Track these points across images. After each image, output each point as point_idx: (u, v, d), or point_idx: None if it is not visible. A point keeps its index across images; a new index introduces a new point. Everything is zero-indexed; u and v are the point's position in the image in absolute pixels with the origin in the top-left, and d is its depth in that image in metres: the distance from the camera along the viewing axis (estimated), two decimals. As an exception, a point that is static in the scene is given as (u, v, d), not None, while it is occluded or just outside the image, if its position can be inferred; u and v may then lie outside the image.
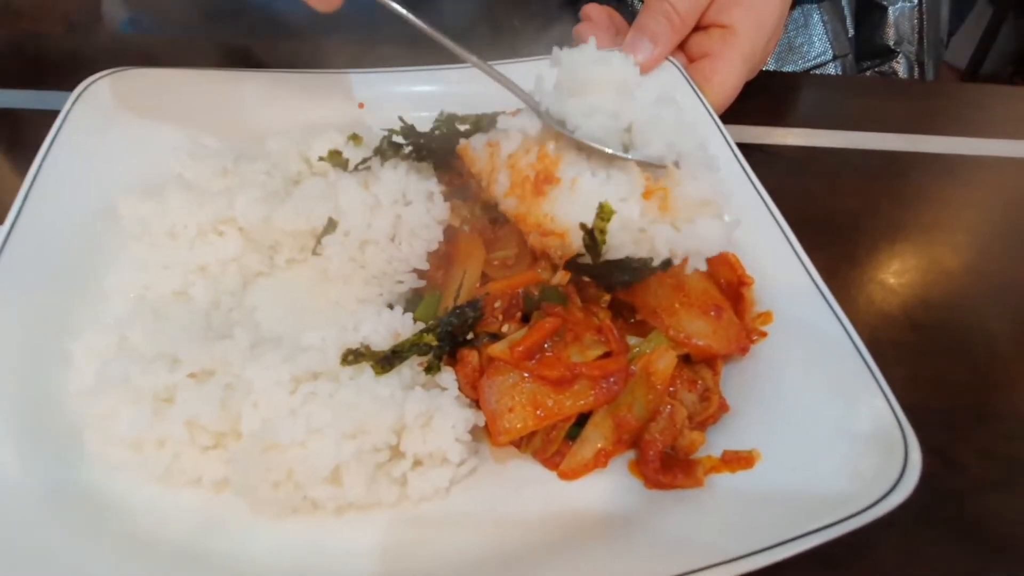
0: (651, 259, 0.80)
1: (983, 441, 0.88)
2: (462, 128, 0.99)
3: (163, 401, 0.70)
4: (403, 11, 0.85)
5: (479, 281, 0.87)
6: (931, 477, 0.82)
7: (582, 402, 0.75)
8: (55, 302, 0.81)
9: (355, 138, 1.00)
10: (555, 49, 0.93)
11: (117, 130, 0.98)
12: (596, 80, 0.88)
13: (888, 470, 0.68)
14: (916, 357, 0.98)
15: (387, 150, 0.96)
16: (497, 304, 0.79)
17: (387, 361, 0.73)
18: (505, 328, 0.79)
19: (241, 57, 1.16)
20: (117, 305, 0.81)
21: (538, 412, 0.73)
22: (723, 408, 0.80)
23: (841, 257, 1.10)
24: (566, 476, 0.75)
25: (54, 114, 0.96)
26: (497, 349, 0.75)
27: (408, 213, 0.91)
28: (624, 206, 0.80)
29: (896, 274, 1.10)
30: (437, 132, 0.99)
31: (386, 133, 1.00)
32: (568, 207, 0.82)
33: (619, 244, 0.80)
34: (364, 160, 0.95)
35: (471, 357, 0.77)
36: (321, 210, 0.89)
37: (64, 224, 0.86)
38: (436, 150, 0.99)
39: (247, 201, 0.87)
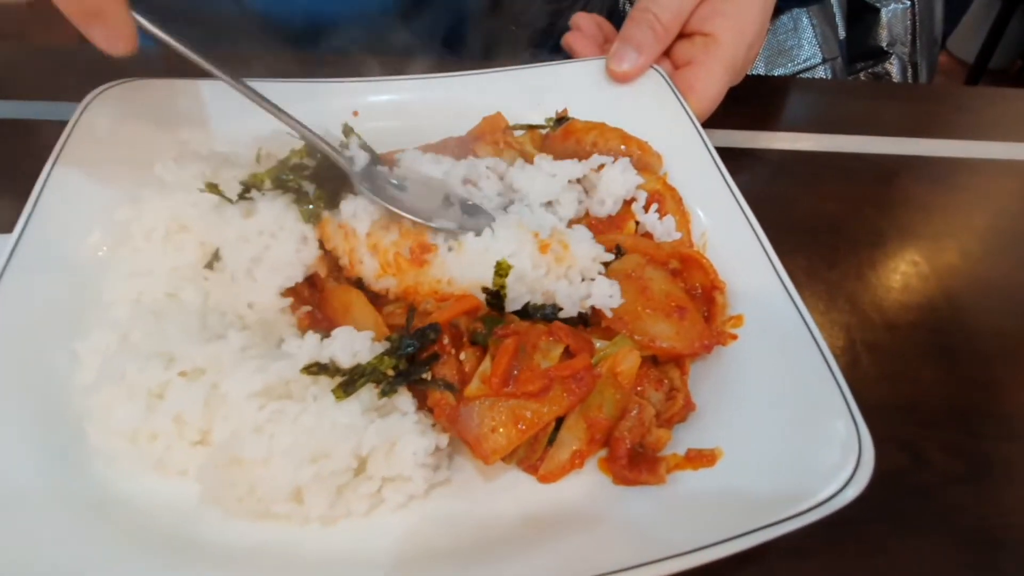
0: (552, 306, 0.86)
1: (950, 437, 0.91)
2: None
3: (155, 397, 0.73)
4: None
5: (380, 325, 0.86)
6: (900, 472, 0.86)
7: (557, 407, 0.76)
8: (63, 306, 0.85)
9: (211, 187, 0.92)
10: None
11: (124, 138, 1.02)
12: None
13: (843, 468, 0.70)
14: (889, 357, 1.00)
15: (264, 181, 0.93)
16: (446, 340, 0.80)
17: (348, 385, 0.74)
18: (463, 356, 0.80)
19: (245, 68, 1.20)
20: (119, 309, 0.84)
21: (520, 426, 0.74)
22: (689, 407, 0.82)
23: (821, 259, 1.12)
24: (546, 479, 0.76)
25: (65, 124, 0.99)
26: (474, 389, 0.76)
27: (276, 247, 0.89)
28: (515, 260, 0.85)
29: (873, 276, 1.11)
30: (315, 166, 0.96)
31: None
32: (460, 268, 0.87)
33: (517, 296, 0.86)
34: (246, 189, 0.92)
35: (446, 399, 0.77)
36: (218, 235, 0.89)
37: (71, 231, 0.90)
38: (325, 185, 0.96)
39: (195, 208, 0.89)
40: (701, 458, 0.77)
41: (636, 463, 0.77)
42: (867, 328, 1.03)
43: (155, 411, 0.72)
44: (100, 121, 1.00)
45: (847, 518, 0.78)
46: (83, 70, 1.13)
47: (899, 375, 0.98)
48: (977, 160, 1.34)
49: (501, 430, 0.74)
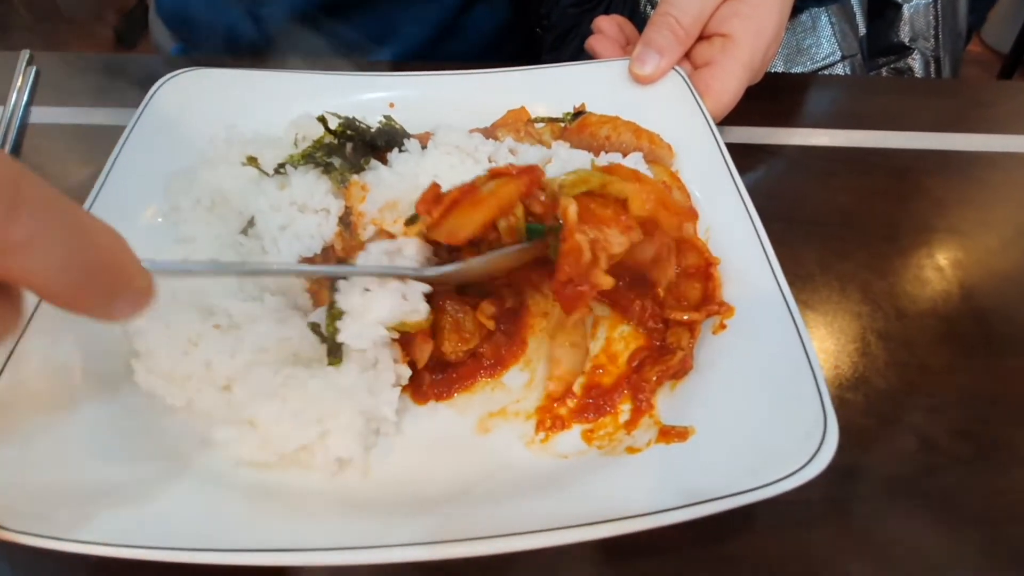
0: None
1: (957, 422, 0.90)
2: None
3: (192, 344, 0.80)
4: None
5: None
6: (907, 452, 0.87)
7: (507, 189, 0.81)
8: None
9: (251, 160, 0.97)
10: None
11: (183, 119, 1.09)
12: None
13: (805, 449, 0.71)
14: (899, 345, 0.99)
15: (299, 160, 0.96)
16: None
17: (334, 352, 0.78)
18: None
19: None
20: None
21: (475, 212, 0.81)
22: (688, 365, 0.86)
23: (833, 251, 1.11)
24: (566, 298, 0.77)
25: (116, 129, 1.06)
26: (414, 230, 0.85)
27: (301, 219, 0.93)
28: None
29: (886, 267, 1.10)
30: (342, 141, 0.99)
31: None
32: None
33: None
34: (281, 164, 0.96)
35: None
36: (253, 205, 0.94)
37: (135, 201, 0.99)
38: (346, 157, 0.99)
39: (236, 180, 0.94)
40: (675, 434, 0.79)
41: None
42: (878, 317, 1.02)
43: (190, 357, 0.78)
44: (164, 105, 1.08)
45: (853, 494, 0.82)
46: (127, 78, 1.22)
47: (909, 362, 0.97)
48: (997, 154, 1.29)
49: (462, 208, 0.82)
